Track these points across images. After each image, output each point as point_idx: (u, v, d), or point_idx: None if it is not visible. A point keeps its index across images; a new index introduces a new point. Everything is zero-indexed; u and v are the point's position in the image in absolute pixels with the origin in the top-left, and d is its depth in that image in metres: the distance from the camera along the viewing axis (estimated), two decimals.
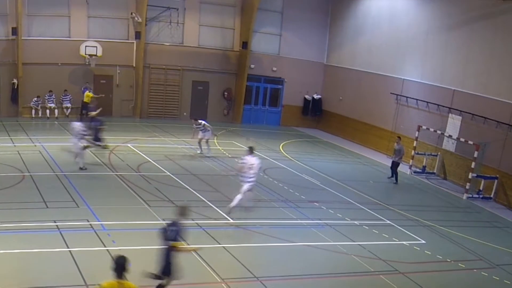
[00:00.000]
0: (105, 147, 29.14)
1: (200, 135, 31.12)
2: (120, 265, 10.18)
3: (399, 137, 31.99)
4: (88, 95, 37.49)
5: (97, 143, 28.29)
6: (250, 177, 21.25)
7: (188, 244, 14.45)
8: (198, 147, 31.54)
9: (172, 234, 13.33)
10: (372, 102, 40.31)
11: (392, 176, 31.28)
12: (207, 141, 31.33)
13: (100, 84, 39.81)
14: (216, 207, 22.18)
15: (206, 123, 31.11)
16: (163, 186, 24.51)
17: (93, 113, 31.57)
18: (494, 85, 30.50)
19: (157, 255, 13.62)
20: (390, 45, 38.65)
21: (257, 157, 22.45)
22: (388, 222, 23.40)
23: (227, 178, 27.40)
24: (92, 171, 25.74)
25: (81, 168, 25.63)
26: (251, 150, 21.62)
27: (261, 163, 22.79)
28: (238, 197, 21.24)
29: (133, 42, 40.73)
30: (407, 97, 36.52)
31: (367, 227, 22.32)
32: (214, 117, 42.30)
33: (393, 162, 31.20)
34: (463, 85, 32.41)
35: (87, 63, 38.69)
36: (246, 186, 21.28)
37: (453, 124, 32.84)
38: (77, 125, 26.10)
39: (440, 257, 19.88)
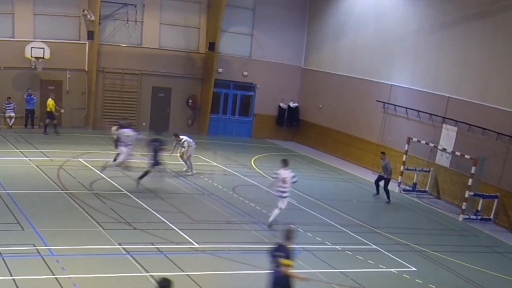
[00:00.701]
0: (162, 172, 28.52)
1: (183, 149, 31.22)
2: None
3: (382, 153, 32.23)
4: (50, 103, 37.49)
5: (156, 167, 27.84)
6: (285, 191, 23.50)
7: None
8: (184, 164, 31.72)
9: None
10: (356, 111, 40.56)
11: (377, 193, 31.60)
12: (188, 158, 31.45)
13: (48, 91, 39.26)
14: (179, 229, 22.24)
15: (188, 140, 31.14)
16: (119, 206, 24.46)
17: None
18: (493, 91, 30.76)
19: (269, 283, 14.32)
20: (376, 46, 38.96)
21: (291, 170, 23.71)
22: (374, 246, 23.57)
23: (191, 197, 27.51)
24: (38, 189, 25.62)
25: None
26: (285, 163, 23.71)
27: (295, 176, 23.93)
28: (276, 211, 23.72)
29: (85, 43, 40.61)
30: (395, 105, 36.80)
31: (350, 253, 22.47)
32: (177, 127, 41.72)
33: (379, 176, 31.55)
34: (459, 91, 32.67)
35: (33, 67, 38.47)
36: (283, 202, 23.63)
37: (448, 136, 33.11)
38: (127, 132, 27.57)
39: (433, 286, 20.00)
